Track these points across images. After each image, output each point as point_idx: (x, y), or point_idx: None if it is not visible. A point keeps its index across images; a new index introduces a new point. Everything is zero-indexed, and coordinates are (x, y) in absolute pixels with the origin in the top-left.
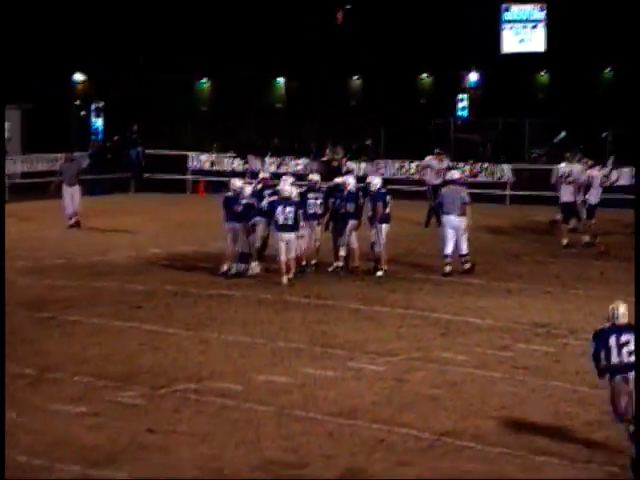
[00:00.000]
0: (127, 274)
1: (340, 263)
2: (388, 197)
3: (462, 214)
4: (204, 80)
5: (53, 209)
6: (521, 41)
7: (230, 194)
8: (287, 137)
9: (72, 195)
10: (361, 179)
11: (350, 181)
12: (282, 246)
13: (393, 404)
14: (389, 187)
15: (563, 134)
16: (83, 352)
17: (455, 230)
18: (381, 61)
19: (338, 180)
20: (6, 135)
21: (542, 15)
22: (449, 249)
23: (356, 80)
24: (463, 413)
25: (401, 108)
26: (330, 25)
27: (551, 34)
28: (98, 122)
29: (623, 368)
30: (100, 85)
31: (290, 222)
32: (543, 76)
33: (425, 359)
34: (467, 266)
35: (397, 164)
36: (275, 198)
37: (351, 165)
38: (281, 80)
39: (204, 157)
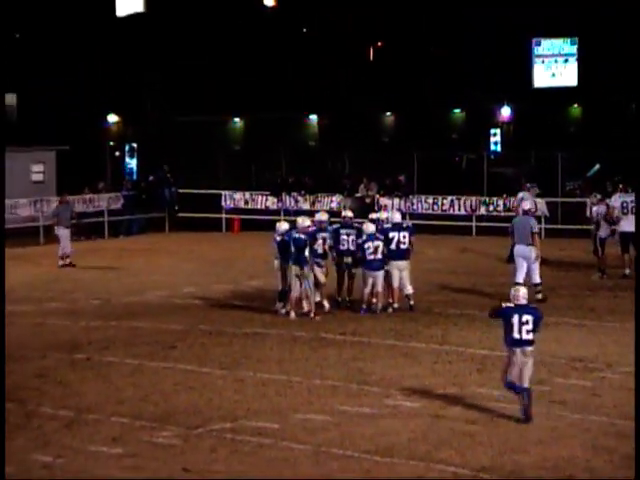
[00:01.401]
0: (162, 314)
1: (374, 300)
2: (395, 233)
3: (531, 243)
4: (237, 119)
5: (88, 250)
6: (553, 75)
7: (301, 235)
8: (320, 174)
9: (65, 237)
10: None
11: (384, 217)
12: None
13: (430, 440)
14: (422, 222)
15: (597, 167)
16: (119, 393)
17: (526, 259)
18: (413, 97)
19: (373, 216)
20: (41, 177)
21: (574, 49)
22: (520, 278)
23: (388, 116)
24: (500, 448)
25: (434, 143)
26: (362, 62)
27: (583, 68)
28: (132, 162)
29: (522, 342)
30: (134, 126)
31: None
32: (575, 109)
33: (461, 395)
34: (540, 296)
35: (430, 199)
36: (299, 235)
37: (385, 201)
38: (313, 117)
39: (238, 195)
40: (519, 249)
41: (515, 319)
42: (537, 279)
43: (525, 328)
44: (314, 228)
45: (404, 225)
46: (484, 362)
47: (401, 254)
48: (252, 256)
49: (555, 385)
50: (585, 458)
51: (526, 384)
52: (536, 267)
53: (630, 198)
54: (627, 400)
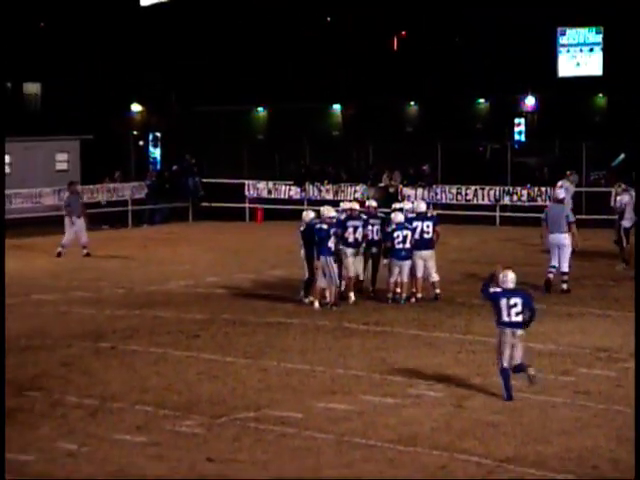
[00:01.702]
0: (185, 303)
1: (399, 289)
2: (419, 223)
3: (566, 231)
4: (260, 109)
5: (112, 239)
6: (577, 65)
7: (324, 226)
8: (344, 164)
9: (80, 227)
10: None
11: (408, 207)
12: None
13: (453, 430)
14: (446, 212)
15: (622, 157)
16: (143, 382)
17: (560, 247)
18: (437, 87)
19: (397, 206)
20: (65, 166)
21: (599, 38)
22: (556, 261)
23: (412, 106)
24: (524, 439)
25: (458, 133)
26: (386, 52)
27: (607, 57)
28: (156, 152)
29: (512, 325)
30: (158, 115)
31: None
32: (600, 99)
33: (484, 385)
34: (565, 286)
35: (454, 189)
36: (324, 226)
37: (408, 191)
38: (337, 107)
39: (261, 185)
40: (554, 237)
41: (503, 302)
42: (565, 268)
43: (514, 311)
44: (342, 217)
45: (428, 215)
46: None
47: (425, 244)
48: (275, 246)
49: (579, 375)
50: (609, 448)
51: (517, 362)
52: (567, 256)
53: None
54: None
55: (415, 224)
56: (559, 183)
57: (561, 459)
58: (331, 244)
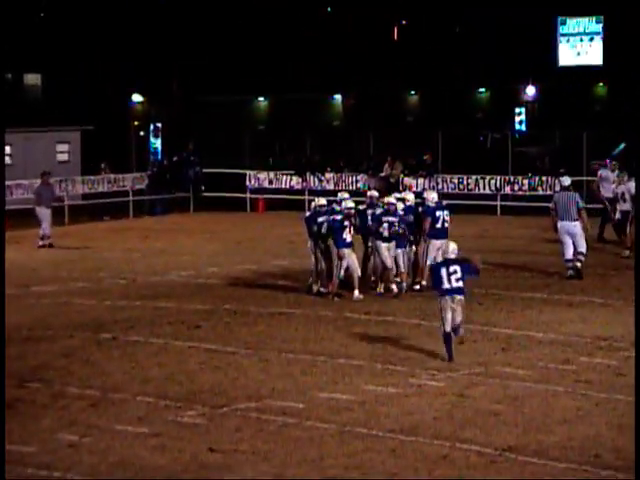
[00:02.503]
0: (186, 294)
1: (398, 279)
2: (440, 212)
3: (576, 219)
4: (261, 99)
5: (113, 230)
6: (578, 54)
7: (338, 217)
8: (345, 154)
9: (45, 217)
10: (419, 195)
11: (410, 197)
12: (344, 263)
13: (455, 420)
14: (447, 202)
15: (622, 146)
16: (144, 372)
17: (571, 235)
18: (437, 76)
19: (397, 196)
20: (66, 157)
21: (599, 28)
22: (569, 254)
23: (413, 96)
24: (525, 428)
25: (458, 123)
26: (386, 41)
27: (608, 46)
28: (157, 142)
29: (452, 291)
30: (158, 106)
31: (350, 239)
32: (601, 88)
33: (486, 374)
34: (579, 265)
35: (455, 179)
36: (338, 217)
37: (409, 181)
38: (338, 97)
39: (262, 175)
40: (564, 225)
41: (443, 271)
42: (583, 248)
43: (454, 277)
44: (378, 211)
45: (443, 204)
46: (509, 341)
47: (444, 233)
48: (276, 236)
49: (580, 364)
50: (611, 437)
51: (456, 323)
52: (582, 239)
53: None
54: None
55: (438, 213)
56: (600, 173)
57: (562, 448)
58: (346, 235)
